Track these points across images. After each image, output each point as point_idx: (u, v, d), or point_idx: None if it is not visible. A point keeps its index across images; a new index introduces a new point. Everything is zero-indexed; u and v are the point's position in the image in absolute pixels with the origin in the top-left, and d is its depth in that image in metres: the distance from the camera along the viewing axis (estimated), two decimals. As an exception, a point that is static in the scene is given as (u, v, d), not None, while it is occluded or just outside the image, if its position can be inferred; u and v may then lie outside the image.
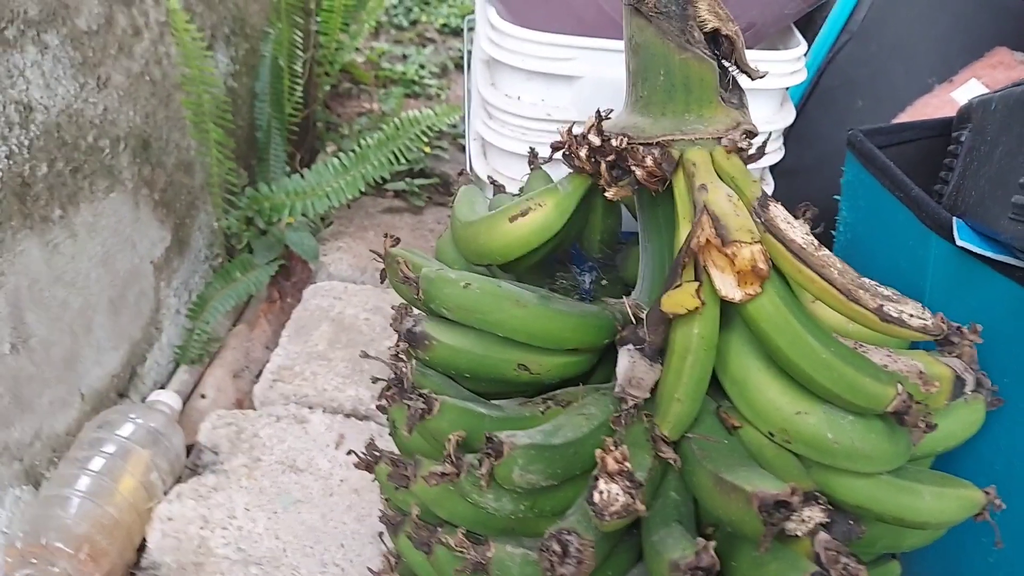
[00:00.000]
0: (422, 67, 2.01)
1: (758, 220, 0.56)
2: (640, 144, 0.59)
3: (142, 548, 0.97)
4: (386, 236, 0.72)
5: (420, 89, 1.94)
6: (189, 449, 1.10)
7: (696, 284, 0.54)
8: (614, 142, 0.60)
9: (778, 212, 0.56)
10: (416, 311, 0.71)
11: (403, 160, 1.25)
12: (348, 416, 1.12)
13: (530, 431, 0.58)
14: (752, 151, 0.60)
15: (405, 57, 2.05)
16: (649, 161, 0.59)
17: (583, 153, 0.63)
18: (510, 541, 0.59)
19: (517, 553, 0.58)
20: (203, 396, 1.19)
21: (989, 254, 0.62)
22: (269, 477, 1.01)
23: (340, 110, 1.80)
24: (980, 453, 0.69)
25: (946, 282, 0.70)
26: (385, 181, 1.47)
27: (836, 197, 0.94)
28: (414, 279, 0.65)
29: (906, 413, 0.55)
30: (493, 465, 0.55)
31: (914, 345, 0.67)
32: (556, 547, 0.53)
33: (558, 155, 0.66)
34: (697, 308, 0.54)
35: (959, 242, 0.63)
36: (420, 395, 0.61)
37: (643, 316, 0.60)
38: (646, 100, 0.59)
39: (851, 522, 0.61)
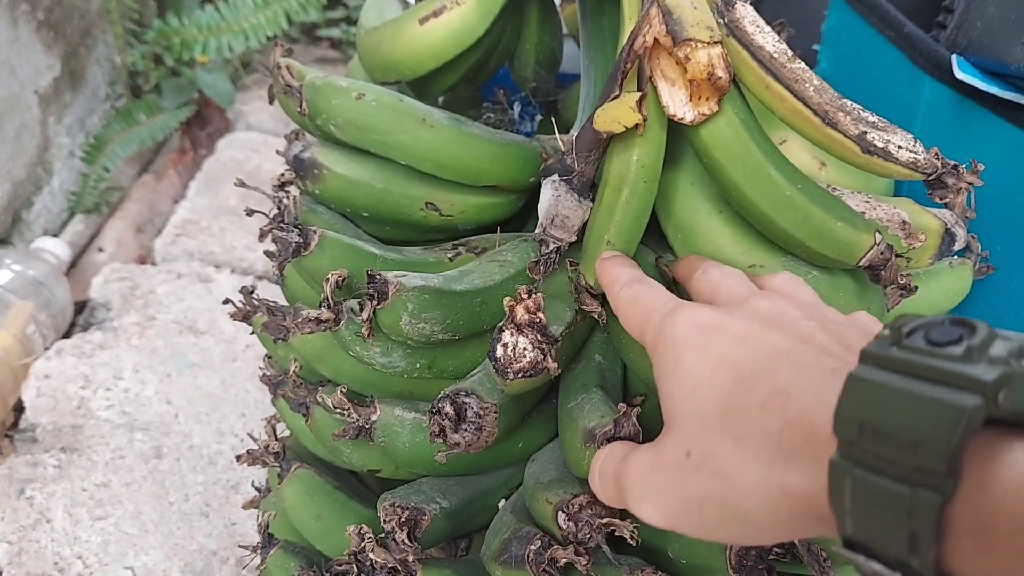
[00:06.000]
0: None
1: (720, 20, 0.45)
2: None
3: (23, 409, 0.86)
4: (277, 44, 0.59)
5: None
6: (82, 307, 0.98)
7: (638, 94, 0.43)
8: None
9: (746, 12, 0.45)
10: (309, 137, 0.59)
11: (333, -5, 1.10)
12: (260, 278, 1.00)
13: (427, 275, 0.47)
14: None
15: None
16: (591, -58, 0.46)
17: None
18: (403, 404, 0.50)
19: (408, 417, 0.49)
20: (101, 250, 1.06)
21: (993, 90, 0.51)
22: (164, 337, 0.90)
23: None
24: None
25: (938, 132, 0.60)
26: (317, 27, 1.32)
27: (816, 47, 0.82)
28: (297, 87, 0.53)
29: (883, 268, 0.46)
30: (375, 309, 0.44)
31: (897, 193, 0.57)
32: (449, 410, 0.44)
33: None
34: (638, 126, 0.43)
35: (959, 74, 0.53)
36: (297, 227, 0.50)
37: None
38: None
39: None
